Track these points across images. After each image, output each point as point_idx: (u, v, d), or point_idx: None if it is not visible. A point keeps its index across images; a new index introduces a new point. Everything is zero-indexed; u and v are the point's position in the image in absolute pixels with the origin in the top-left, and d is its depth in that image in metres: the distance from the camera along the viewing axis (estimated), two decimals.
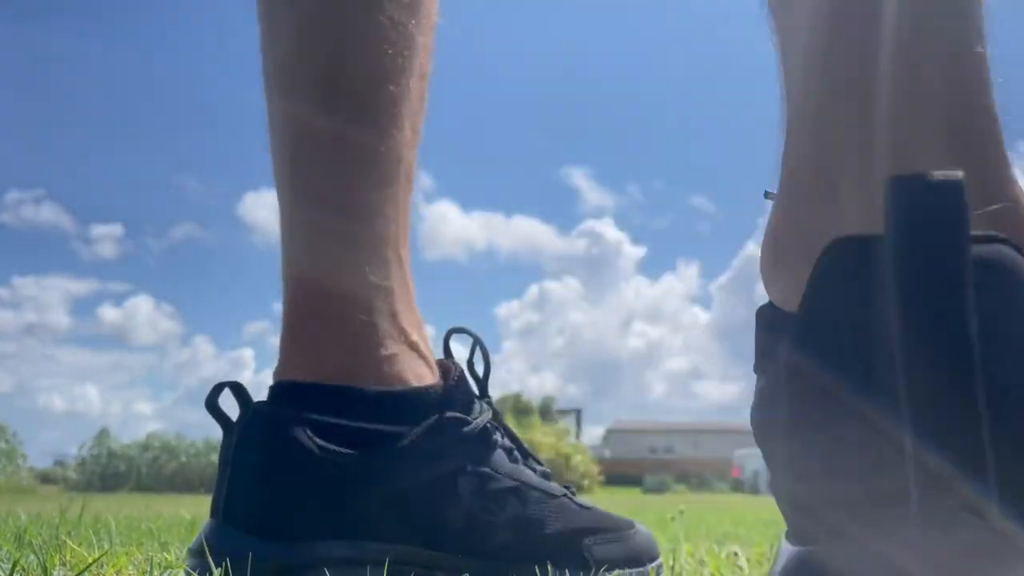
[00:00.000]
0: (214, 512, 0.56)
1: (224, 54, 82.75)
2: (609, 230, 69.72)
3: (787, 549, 0.32)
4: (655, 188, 78.61)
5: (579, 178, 74.96)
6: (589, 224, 70.13)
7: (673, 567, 0.93)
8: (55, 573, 0.77)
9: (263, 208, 70.97)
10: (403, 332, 0.59)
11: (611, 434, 41.49)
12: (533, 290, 66.70)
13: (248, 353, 67.19)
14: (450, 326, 0.66)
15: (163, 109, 77.78)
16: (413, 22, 0.58)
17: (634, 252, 70.63)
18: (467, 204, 72.82)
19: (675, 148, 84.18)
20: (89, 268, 68.41)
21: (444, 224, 68.00)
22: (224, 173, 77.28)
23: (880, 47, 0.36)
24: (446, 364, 0.61)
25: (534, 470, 0.63)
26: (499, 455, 0.59)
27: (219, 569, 0.52)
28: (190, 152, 77.95)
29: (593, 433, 43.16)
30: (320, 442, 0.54)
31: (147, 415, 62.99)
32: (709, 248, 73.88)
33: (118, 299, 66.71)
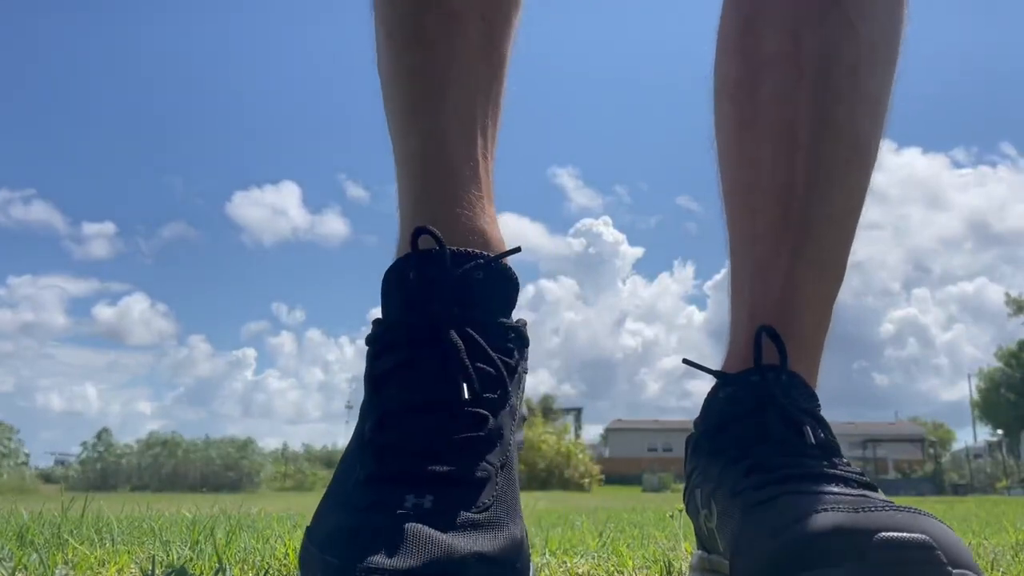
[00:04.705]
0: None
1: (215, 54, 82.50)
2: (607, 230, 69.65)
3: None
4: (641, 188, 78.62)
5: (566, 178, 74.96)
6: (587, 223, 70.05)
7: (672, 565, 0.94)
8: (57, 571, 0.77)
9: (252, 207, 70.86)
10: None
11: (610, 433, 41.44)
12: (529, 289, 66.63)
13: (250, 352, 67.07)
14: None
15: (149, 108, 77.61)
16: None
17: (632, 252, 70.63)
18: None
19: (659, 149, 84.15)
20: (82, 267, 68.35)
21: None
22: (211, 173, 77.22)
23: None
24: None
25: None
26: None
27: None
28: (176, 152, 77.87)
29: (590, 432, 43.11)
30: None
31: (146, 414, 62.93)
32: (704, 248, 73.80)
33: (113, 298, 66.67)
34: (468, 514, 0.47)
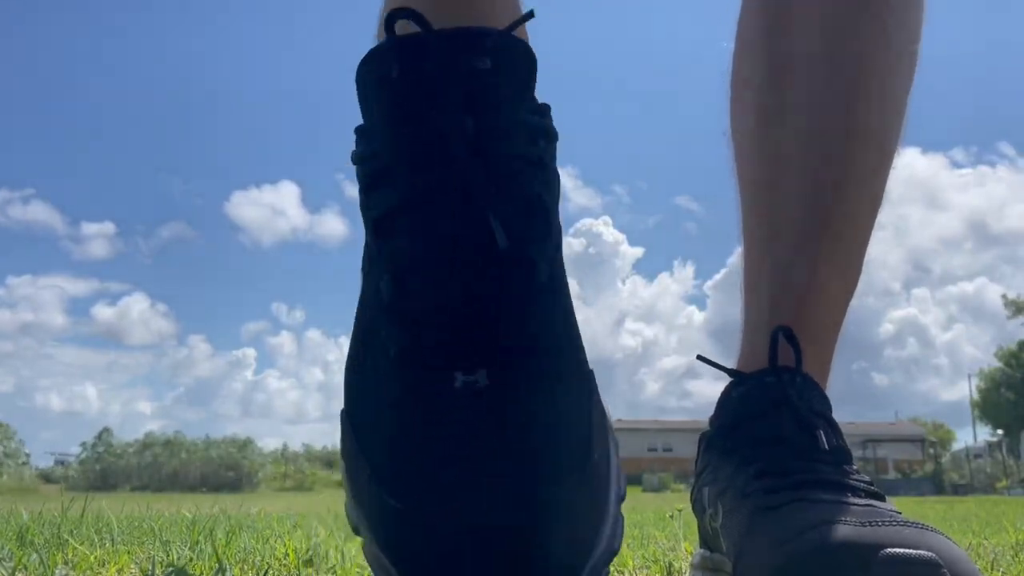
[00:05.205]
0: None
1: (214, 54, 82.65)
2: (607, 230, 69.71)
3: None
4: (640, 188, 78.86)
5: (565, 178, 75.02)
6: (587, 223, 70.11)
7: (672, 565, 0.94)
8: (57, 571, 0.77)
9: (250, 207, 70.95)
10: None
11: None
12: None
13: (250, 352, 67.15)
14: None
15: (146, 108, 77.73)
16: None
17: (631, 252, 70.73)
18: None
19: (658, 148, 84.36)
20: (82, 267, 68.43)
21: None
22: (210, 173, 77.44)
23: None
24: None
25: None
26: None
27: None
28: (175, 152, 78.05)
29: None
30: None
31: (146, 414, 62.95)
32: (704, 248, 73.92)
33: (112, 298, 66.70)
34: (529, 398, 0.40)
